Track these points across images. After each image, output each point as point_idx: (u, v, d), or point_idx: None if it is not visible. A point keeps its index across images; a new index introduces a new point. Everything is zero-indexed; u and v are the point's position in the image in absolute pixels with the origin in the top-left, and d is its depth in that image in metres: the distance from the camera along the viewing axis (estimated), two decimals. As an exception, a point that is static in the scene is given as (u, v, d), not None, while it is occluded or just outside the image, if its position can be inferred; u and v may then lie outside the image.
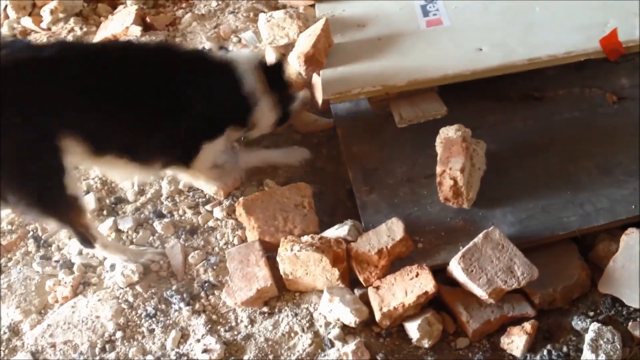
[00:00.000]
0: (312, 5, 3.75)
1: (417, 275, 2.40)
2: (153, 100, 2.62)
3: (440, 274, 2.45)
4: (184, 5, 4.23)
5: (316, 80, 3.30)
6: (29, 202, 2.54)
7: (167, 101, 2.64)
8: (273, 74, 2.93)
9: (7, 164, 2.40)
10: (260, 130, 3.02)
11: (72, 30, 4.14)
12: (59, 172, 2.52)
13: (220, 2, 4.17)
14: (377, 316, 2.37)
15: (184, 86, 2.67)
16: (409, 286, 2.38)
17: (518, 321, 2.35)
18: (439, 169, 2.59)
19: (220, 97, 2.76)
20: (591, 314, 2.39)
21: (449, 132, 2.67)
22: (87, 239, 2.70)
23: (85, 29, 4.12)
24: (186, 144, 2.77)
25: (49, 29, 4.24)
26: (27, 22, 4.31)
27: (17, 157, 2.41)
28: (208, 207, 2.95)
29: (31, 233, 3.00)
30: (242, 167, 3.01)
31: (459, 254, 2.40)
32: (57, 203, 2.57)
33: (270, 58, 3.25)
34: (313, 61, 3.13)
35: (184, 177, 2.97)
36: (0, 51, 2.43)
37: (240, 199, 2.82)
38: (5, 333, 2.64)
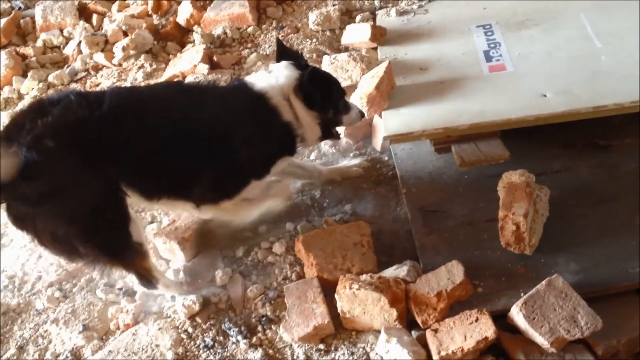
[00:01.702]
0: (375, 48, 3.82)
1: (476, 320, 2.37)
2: (198, 144, 2.66)
3: (500, 320, 2.41)
4: (249, 45, 4.36)
5: (377, 121, 3.35)
6: (98, 253, 2.62)
7: (212, 144, 2.68)
8: (310, 91, 2.82)
9: (77, 218, 2.50)
10: (309, 144, 3.03)
11: (142, 66, 4.31)
12: (124, 222, 2.61)
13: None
14: (435, 359, 2.35)
15: (223, 130, 2.71)
16: (469, 331, 2.35)
17: (580, 372, 2.29)
18: (501, 214, 2.58)
19: (260, 135, 2.77)
20: (656, 368, 2.32)
21: (512, 177, 2.66)
22: (149, 281, 2.77)
23: (154, 66, 4.29)
24: (233, 182, 2.81)
25: (120, 64, 4.42)
26: (99, 57, 4.52)
27: (85, 210, 2.51)
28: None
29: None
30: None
31: (521, 300, 2.36)
32: (125, 251, 2.67)
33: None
34: (375, 102, 3.17)
35: (209, 213, 2.93)
36: (55, 107, 2.50)
37: (300, 236, 2.86)
38: (67, 357, 2.71)
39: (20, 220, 2.54)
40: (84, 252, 2.59)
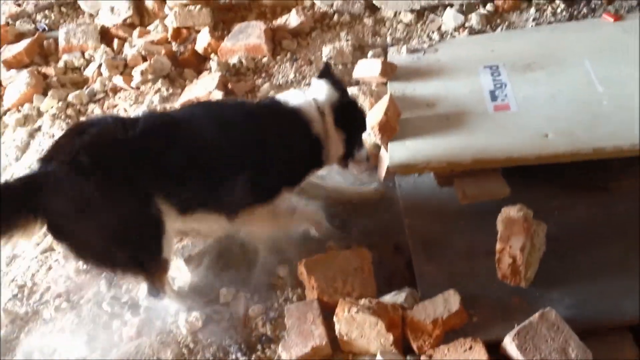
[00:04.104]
0: (385, 84, 3.93)
1: (470, 348, 2.43)
2: (232, 157, 2.80)
3: (494, 349, 2.47)
4: (263, 75, 4.50)
5: (382, 153, 3.45)
6: (127, 265, 2.77)
7: (246, 155, 2.82)
8: (342, 112, 3.06)
9: (110, 232, 2.64)
10: (330, 161, 3.19)
11: (158, 90, 4.44)
12: (157, 238, 2.73)
13: (297, 75, 4.41)
14: (428, 384, 2.41)
15: (259, 141, 2.87)
16: (462, 358, 2.42)
17: (570, 404, 2.34)
18: (498, 246, 2.66)
19: (292, 147, 2.95)
20: (643, 405, 2.36)
21: (510, 212, 2.73)
22: (157, 291, 2.87)
23: (171, 91, 4.43)
24: (267, 189, 2.95)
25: (137, 88, 4.56)
26: (118, 80, 4.66)
27: (118, 225, 2.64)
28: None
29: (104, 274, 3.16)
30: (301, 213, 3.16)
31: (514, 330, 2.43)
32: (151, 266, 2.80)
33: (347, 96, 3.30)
34: (387, 128, 3.25)
35: (243, 223, 3.05)
36: (92, 128, 2.68)
37: (303, 260, 2.94)
38: (71, 367, 2.78)
39: (58, 234, 2.68)
40: (118, 263, 2.73)
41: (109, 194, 2.58)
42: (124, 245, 2.68)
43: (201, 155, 2.76)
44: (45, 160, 2.64)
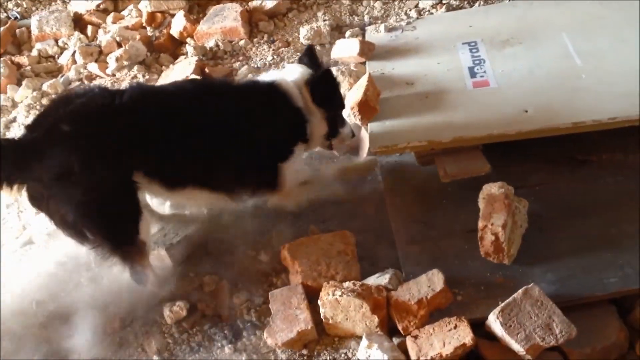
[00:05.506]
0: (364, 63, 3.91)
1: (455, 327, 2.44)
2: (217, 133, 2.80)
3: (479, 327, 2.48)
4: (241, 58, 4.45)
5: (363, 133, 3.43)
6: (103, 241, 2.72)
7: (230, 132, 2.83)
8: (318, 89, 3.05)
9: (85, 205, 2.59)
10: (314, 141, 3.19)
11: (135, 77, 4.39)
12: (134, 217, 2.72)
13: (275, 57, 4.37)
14: (415, 365, 2.42)
15: (242, 116, 2.87)
16: (447, 337, 2.42)
17: (555, 378, 2.36)
18: (480, 224, 2.66)
19: (274, 119, 2.96)
20: (628, 376, 2.39)
21: (492, 189, 2.74)
22: (140, 277, 2.84)
23: (147, 77, 4.37)
24: (261, 168, 2.98)
25: (113, 75, 4.49)
26: (93, 67, 4.59)
27: (94, 199, 2.59)
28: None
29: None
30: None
31: (498, 308, 2.43)
32: (128, 246, 2.77)
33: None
34: (367, 108, 3.24)
35: (274, 201, 3.15)
36: (79, 99, 2.67)
37: (286, 244, 2.93)
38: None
39: (35, 201, 2.67)
40: (92, 238, 2.70)
41: (87, 165, 2.55)
42: (99, 220, 2.66)
43: (184, 129, 2.76)
44: (30, 127, 2.68)
